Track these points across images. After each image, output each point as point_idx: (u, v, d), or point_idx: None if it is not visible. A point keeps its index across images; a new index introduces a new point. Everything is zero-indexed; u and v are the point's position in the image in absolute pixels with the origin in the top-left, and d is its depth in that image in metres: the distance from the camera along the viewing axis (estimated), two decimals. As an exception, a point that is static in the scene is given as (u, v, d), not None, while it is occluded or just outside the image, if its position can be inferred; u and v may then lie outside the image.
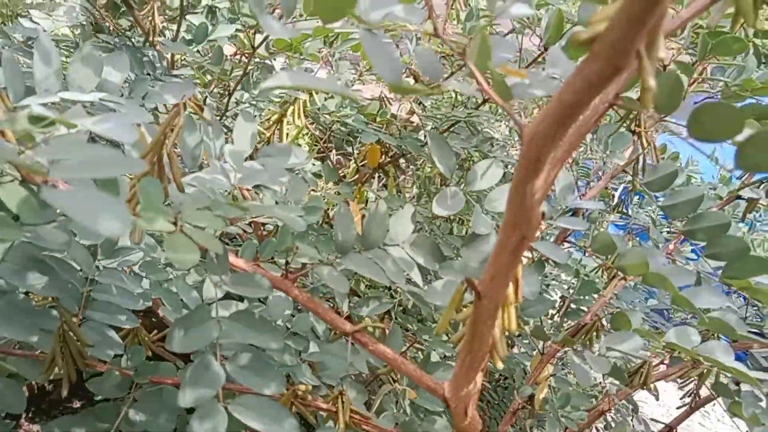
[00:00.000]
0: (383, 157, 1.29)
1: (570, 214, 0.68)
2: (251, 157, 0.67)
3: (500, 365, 0.50)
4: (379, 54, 0.35)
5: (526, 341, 0.91)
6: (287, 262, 0.55)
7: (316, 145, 1.41)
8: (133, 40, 1.10)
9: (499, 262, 0.42)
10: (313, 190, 1.11)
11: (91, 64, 0.60)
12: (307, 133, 1.46)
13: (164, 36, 1.01)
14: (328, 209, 1.20)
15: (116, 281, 0.68)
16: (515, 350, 1.12)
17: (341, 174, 1.36)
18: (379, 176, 1.37)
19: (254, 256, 0.70)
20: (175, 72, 0.96)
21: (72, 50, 1.17)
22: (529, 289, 0.60)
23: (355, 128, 1.19)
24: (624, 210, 1.00)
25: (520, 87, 0.42)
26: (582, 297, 0.79)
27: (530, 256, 0.81)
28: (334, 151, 1.50)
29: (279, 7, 0.93)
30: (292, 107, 0.89)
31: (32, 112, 0.36)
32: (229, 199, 0.58)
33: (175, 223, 0.38)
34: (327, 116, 1.19)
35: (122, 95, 0.71)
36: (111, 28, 1.13)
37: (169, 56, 0.98)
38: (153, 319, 1.15)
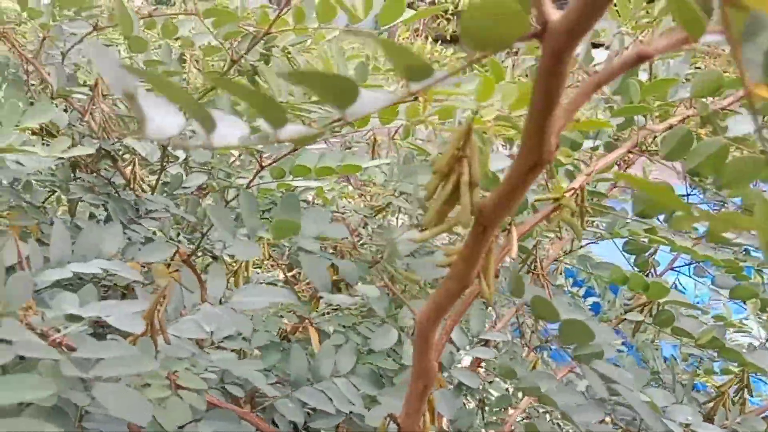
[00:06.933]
0: (335, 275, 1.45)
1: (483, 344, 0.84)
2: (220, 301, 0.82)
3: None
4: (313, 267, 0.51)
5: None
6: (252, 398, 0.68)
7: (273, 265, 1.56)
8: (112, 181, 1.26)
9: (410, 403, 0.57)
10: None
11: (92, 237, 0.75)
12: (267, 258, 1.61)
13: (143, 182, 1.17)
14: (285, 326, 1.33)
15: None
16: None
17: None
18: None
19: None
20: (152, 215, 1.12)
21: (50, 186, 1.31)
22: (448, 412, 0.75)
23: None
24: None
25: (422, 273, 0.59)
26: (500, 409, 0.94)
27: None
28: (285, 269, 1.65)
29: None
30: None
31: (67, 311, 0.51)
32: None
33: (169, 386, 0.52)
34: (285, 244, 1.35)
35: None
36: (89, 169, 1.28)
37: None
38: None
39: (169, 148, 1.06)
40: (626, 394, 0.61)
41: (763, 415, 1.09)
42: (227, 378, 0.77)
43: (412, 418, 0.59)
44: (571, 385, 0.90)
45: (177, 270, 1.25)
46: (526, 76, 1.27)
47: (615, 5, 0.84)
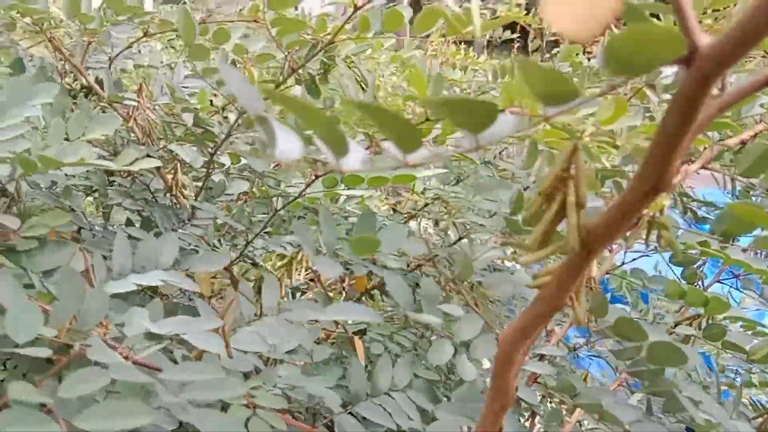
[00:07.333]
0: (370, 283, 1.44)
1: (538, 358, 0.83)
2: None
3: None
4: (397, 285, 0.50)
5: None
6: (314, 414, 0.68)
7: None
8: (149, 187, 1.25)
9: (485, 423, 0.56)
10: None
11: (150, 247, 0.74)
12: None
13: (185, 188, 1.17)
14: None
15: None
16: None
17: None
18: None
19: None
20: (195, 222, 1.11)
21: (83, 190, 1.30)
22: (510, 429, 0.74)
23: (348, 260, 1.34)
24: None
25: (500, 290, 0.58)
26: (550, 423, 0.92)
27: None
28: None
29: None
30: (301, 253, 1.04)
31: (146, 328, 0.50)
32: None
33: (247, 406, 0.51)
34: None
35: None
36: (126, 174, 1.27)
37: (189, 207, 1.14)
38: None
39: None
40: (719, 415, 0.60)
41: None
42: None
43: (486, 438, 0.58)
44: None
45: (215, 276, 1.24)
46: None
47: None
